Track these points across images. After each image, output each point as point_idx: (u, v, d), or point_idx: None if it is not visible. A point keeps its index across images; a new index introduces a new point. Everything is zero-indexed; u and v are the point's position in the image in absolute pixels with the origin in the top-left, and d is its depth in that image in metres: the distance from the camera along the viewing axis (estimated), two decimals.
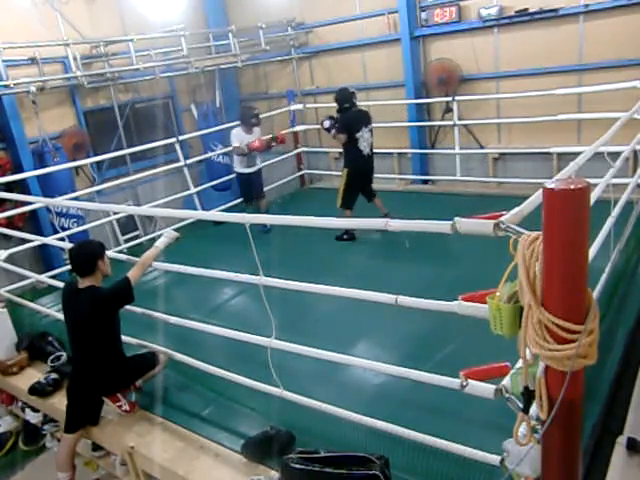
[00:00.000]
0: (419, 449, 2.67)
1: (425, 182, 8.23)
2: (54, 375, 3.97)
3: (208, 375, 3.48)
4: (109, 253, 3.55)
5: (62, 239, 5.85)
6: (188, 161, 7.03)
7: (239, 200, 7.61)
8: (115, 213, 6.59)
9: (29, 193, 6.41)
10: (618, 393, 3.04)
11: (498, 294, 1.81)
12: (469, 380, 2.22)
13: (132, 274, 3.35)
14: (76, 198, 6.39)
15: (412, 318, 3.65)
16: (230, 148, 6.88)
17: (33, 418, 4.24)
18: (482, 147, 7.71)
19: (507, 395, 2.07)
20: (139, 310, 3.78)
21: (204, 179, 8.20)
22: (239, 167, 6.83)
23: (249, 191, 6.96)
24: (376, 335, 4.07)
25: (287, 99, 8.87)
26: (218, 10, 9.65)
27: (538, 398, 1.75)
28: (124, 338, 3.57)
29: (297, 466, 2.54)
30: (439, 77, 7.60)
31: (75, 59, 7.15)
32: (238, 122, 6.84)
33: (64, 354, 4.14)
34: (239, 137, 6.63)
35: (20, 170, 6.45)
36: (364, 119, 6.13)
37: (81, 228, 6.58)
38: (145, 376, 3.64)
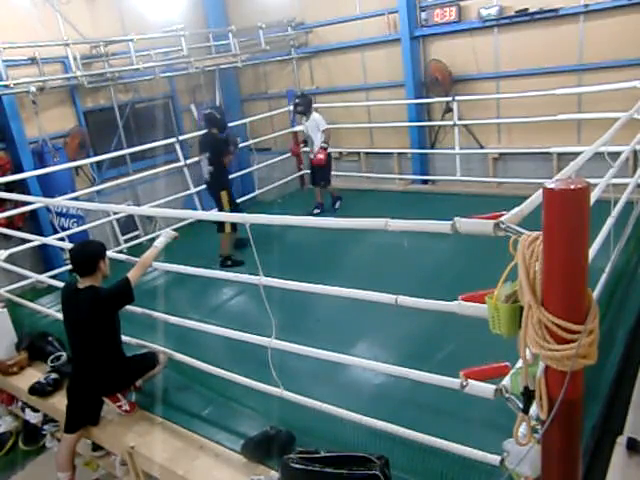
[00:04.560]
0: (419, 449, 2.67)
1: (425, 182, 8.22)
2: (54, 375, 3.97)
3: (208, 375, 3.48)
4: (108, 253, 3.55)
5: (62, 239, 5.85)
6: (188, 161, 7.03)
7: (239, 200, 7.61)
8: (115, 213, 6.59)
9: (29, 193, 6.40)
10: (618, 393, 3.04)
11: (496, 294, 1.81)
12: (469, 380, 2.22)
13: (132, 274, 3.35)
14: (76, 198, 6.39)
15: (412, 318, 3.65)
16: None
17: (33, 418, 4.24)
18: (482, 147, 7.71)
19: (507, 395, 2.07)
20: (139, 310, 3.78)
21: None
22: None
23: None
24: (376, 335, 4.08)
25: (287, 99, 8.88)
26: (218, 10, 9.65)
27: (538, 398, 1.75)
28: (124, 338, 3.57)
29: (297, 466, 2.54)
30: (431, 77, 7.62)
31: (75, 59, 7.15)
32: (301, 109, 7.14)
33: (64, 354, 4.14)
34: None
35: (20, 170, 6.44)
36: None
37: (81, 228, 6.58)
38: (145, 376, 3.64)
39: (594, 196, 2.83)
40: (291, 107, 8.58)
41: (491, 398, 2.16)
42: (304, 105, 7.08)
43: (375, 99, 8.54)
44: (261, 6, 9.32)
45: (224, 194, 5.91)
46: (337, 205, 7.37)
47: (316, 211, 7.27)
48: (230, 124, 8.07)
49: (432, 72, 7.62)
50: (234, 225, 5.83)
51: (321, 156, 6.91)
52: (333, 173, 8.66)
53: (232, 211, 5.89)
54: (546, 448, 1.83)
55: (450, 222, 2.06)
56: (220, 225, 5.80)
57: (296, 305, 4.10)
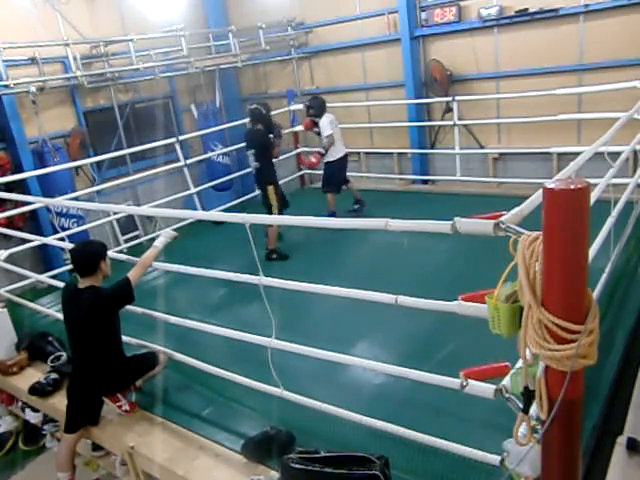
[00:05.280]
0: (419, 449, 2.67)
1: (425, 182, 8.22)
2: (54, 375, 3.97)
3: (208, 375, 3.48)
4: (109, 253, 3.55)
5: (62, 239, 5.85)
6: (188, 161, 7.02)
7: (239, 200, 7.62)
8: (115, 213, 6.59)
9: (29, 193, 6.40)
10: (618, 393, 3.04)
11: (496, 294, 1.81)
12: (469, 380, 2.22)
13: (132, 274, 3.35)
14: (76, 198, 6.39)
15: (412, 318, 3.65)
16: (326, 139, 6.69)
17: (33, 418, 4.24)
18: (482, 147, 7.71)
19: (507, 395, 2.07)
20: (139, 310, 3.78)
21: (204, 179, 8.21)
22: (334, 155, 6.76)
23: (342, 177, 6.98)
24: (376, 335, 4.07)
25: (287, 99, 8.87)
26: (218, 10, 9.65)
27: (538, 398, 1.75)
28: (124, 338, 3.57)
29: (297, 466, 2.54)
30: (430, 77, 7.63)
31: (75, 59, 7.15)
32: (313, 112, 6.83)
33: (64, 354, 4.14)
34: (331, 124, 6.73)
35: (20, 170, 6.45)
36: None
37: (81, 228, 6.58)
38: (145, 376, 3.64)
39: (594, 196, 2.83)
40: (291, 107, 8.59)
41: (491, 398, 2.16)
42: (316, 108, 6.83)
43: (375, 99, 8.54)
44: (261, 6, 9.32)
45: (270, 188, 5.95)
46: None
47: (356, 207, 7.03)
48: (230, 124, 8.12)
49: (432, 72, 7.64)
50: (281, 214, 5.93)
51: (313, 160, 6.80)
52: None
53: (280, 204, 5.98)
54: (546, 448, 1.83)
55: (450, 222, 2.06)
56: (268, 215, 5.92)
57: (296, 305, 4.10)
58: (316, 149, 7.31)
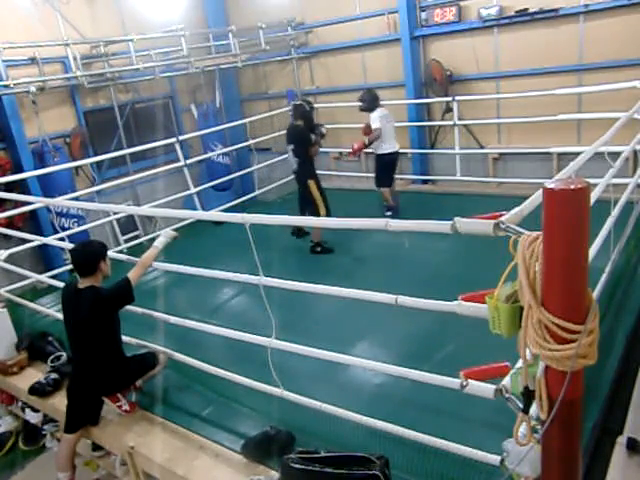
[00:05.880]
0: (419, 449, 2.67)
1: (425, 182, 8.23)
2: (54, 375, 3.97)
3: (208, 375, 3.48)
4: (109, 253, 3.55)
5: (62, 239, 5.85)
6: (188, 161, 7.02)
7: (240, 200, 7.62)
8: (115, 213, 6.59)
9: (29, 193, 6.41)
10: (618, 393, 3.04)
11: (496, 294, 1.81)
12: (469, 380, 2.22)
13: (132, 274, 3.35)
14: (76, 198, 6.39)
15: (412, 318, 3.65)
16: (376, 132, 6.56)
17: (33, 418, 4.25)
18: (482, 147, 7.71)
19: (507, 395, 2.07)
20: (139, 310, 3.78)
21: (204, 179, 8.21)
22: (385, 148, 6.70)
23: (394, 171, 6.88)
24: (376, 335, 4.07)
25: (287, 99, 8.87)
26: (218, 10, 9.66)
27: (538, 398, 1.75)
28: (124, 338, 3.57)
29: (297, 466, 2.54)
30: (430, 77, 7.64)
31: (75, 59, 7.15)
32: (364, 106, 6.76)
33: (64, 354, 4.14)
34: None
35: (20, 170, 6.45)
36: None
37: (81, 228, 6.58)
38: (145, 376, 3.64)
39: (594, 196, 2.83)
40: (290, 107, 8.57)
41: (491, 398, 2.16)
42: (367, 101, 6.73)
43: None
44: (261, 6, 9.32)
45: (311, 183, 5.91)
46: (387, 214, 6.61)
47: (387, 213, 6.62)
48: (230, 124, 8.13)
49: (432, 72, 7.64)
50: (328, 211, 5.91)
51: (355, 145, 6.66)
52: (334, 173, 8.64)
53: (325, 202, 5.93)
54: (546, 448, 1.83)
55: (450, 222, 2.06)
56: (313, 211, 5.90)
57: (296, 305, 4.10)
58: None
